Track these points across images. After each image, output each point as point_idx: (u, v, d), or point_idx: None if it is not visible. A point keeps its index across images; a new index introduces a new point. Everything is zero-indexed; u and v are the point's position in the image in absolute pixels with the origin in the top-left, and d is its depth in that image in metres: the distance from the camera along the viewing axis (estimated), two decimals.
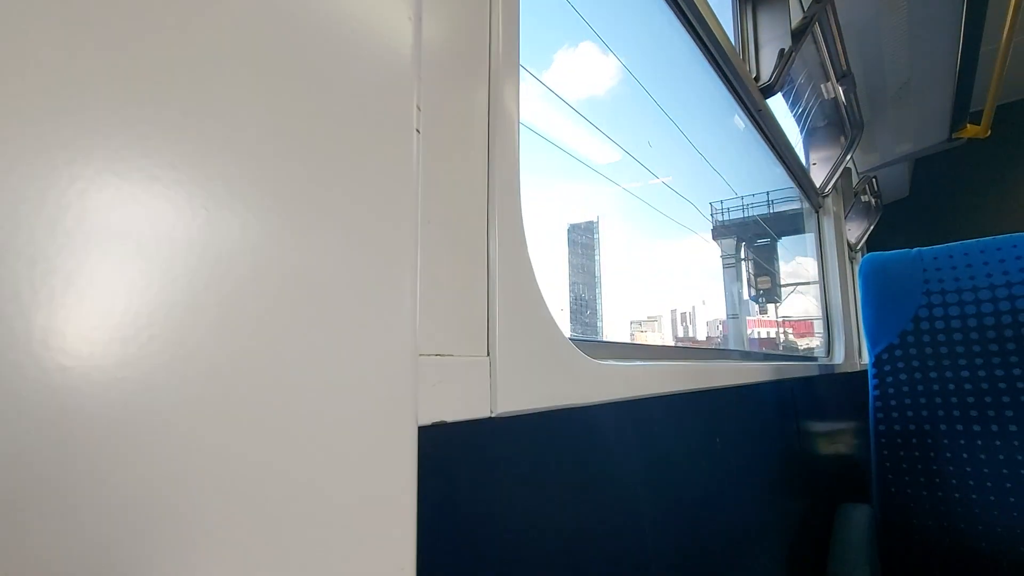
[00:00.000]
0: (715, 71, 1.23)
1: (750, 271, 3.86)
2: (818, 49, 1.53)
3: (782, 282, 3.84)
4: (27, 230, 0.15)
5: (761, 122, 1.47)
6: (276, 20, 0.20)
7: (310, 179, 0.21)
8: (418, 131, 0.25)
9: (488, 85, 0.43)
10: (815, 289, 2.19)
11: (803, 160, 1.90)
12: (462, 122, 0.40)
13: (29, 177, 0.15)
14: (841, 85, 1.70)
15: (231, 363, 0.18)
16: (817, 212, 2.09)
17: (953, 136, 2.28)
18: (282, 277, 0.20)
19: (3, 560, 0.14)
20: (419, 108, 0.25)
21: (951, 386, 1.22)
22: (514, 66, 0.46)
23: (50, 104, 0.15)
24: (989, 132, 2.35)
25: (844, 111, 1.83)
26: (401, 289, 0.24)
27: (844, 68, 1.63)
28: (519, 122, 0.46)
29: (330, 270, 0.21)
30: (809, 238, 2.16)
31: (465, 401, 0.37)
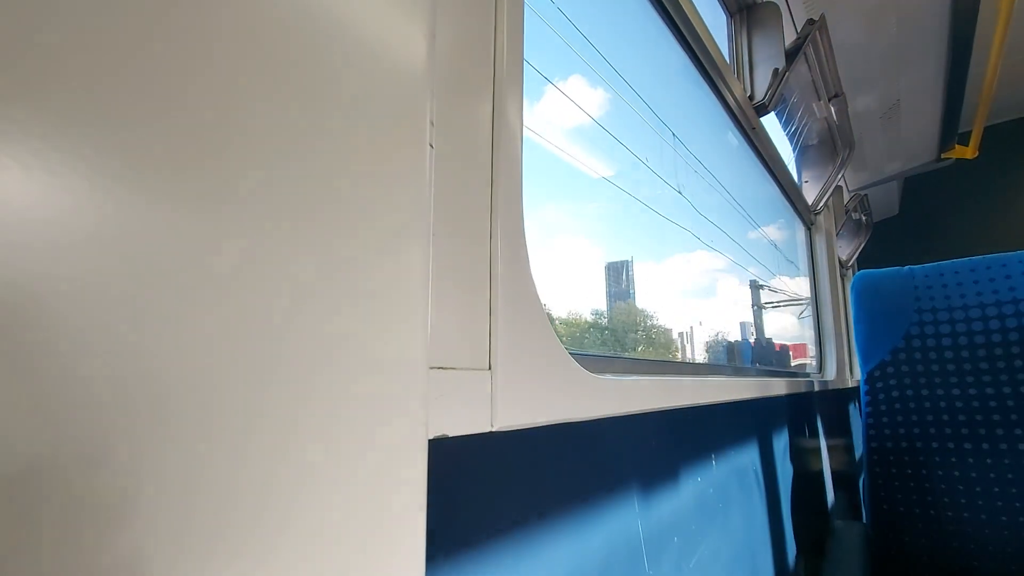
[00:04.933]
0: (712, 91, 1.25)
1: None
2: (811, 69, 1.56)
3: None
4: None
5: (755, 140, 1.49)
6: (300, 41, 0.21)
7: (332, 195, 0.21)
8: (431, 146, 0.25)
9: (492, 101, 0.43)
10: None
11: (795, 178, 1.92)
12: (468, 137, 0.40)
13: None
14: (833, 105, 1.72)
15: (255, 372, 0.18)
16: (809, 229, 2.12)
17: (942, 156, 2.32)
18: (305, 290, 0.20)
19: None
20: (432, 123, 0.25)
21: (943, 404, 1.23)
22: (518, 81, 0.47)
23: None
24: (977, 153, 2.39)
25: (835, 130, 1.86)
26: (415, 302, 0.24)
27: (836, 88, 1.66)
28: (522, 136, 0.47)
29: (349, 282, 0.21)
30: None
31: (466, 415, 0.36)
